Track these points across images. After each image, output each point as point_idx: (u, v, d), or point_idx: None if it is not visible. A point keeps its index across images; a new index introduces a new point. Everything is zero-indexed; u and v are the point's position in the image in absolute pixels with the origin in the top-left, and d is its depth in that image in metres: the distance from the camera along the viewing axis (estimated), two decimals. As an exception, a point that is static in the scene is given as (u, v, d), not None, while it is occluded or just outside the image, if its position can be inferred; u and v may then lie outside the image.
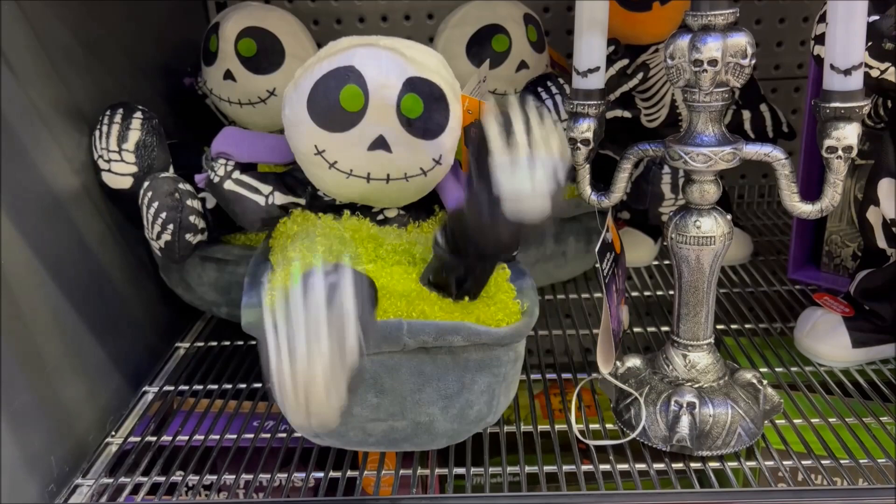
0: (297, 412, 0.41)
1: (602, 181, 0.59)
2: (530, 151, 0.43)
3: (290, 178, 0.61)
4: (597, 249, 0.57)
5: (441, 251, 0.51)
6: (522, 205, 0.44)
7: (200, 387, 0.69)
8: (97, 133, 0.65)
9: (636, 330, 0.76)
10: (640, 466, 0.56)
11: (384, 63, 0.54)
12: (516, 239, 0.47)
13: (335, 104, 0.53)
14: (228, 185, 0.60)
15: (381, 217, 0.60)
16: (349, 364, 0.40)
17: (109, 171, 0.65)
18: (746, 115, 0.84)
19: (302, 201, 0.61)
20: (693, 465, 0.56)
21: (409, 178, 0.56)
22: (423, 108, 0.54)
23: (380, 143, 0.54)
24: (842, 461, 0.56)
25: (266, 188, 0.60)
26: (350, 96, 0.53)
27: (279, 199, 0.60)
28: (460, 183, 0.60)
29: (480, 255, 0.51)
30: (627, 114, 0.82)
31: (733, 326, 0.76)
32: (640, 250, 0.89)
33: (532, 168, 0.43)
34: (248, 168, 0.61)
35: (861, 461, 0.56)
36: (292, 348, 0.39)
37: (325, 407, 0.41)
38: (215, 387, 0.69)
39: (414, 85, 0.54)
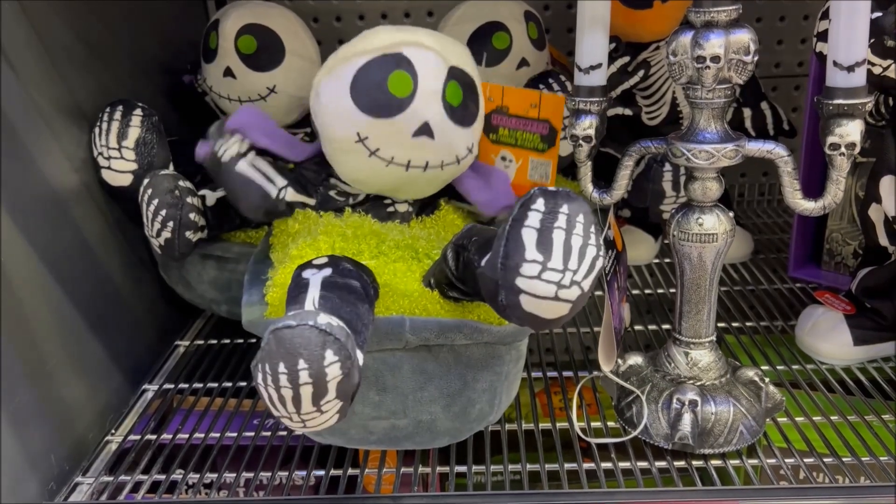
0: (292, 426, 0.42)
1: (603, 178, 0.59)
2: (560, 276, 0.40)
3: (303, 177, 0.60)
4: (598, 247, 0.57)
5: (449, 272, 0.50)
6: (540, 306, 0.41)
7: (200, 385, 0.69)
8: (97, 130, 0.65)
9: (637, 328, 0.76)
10: (642, 464, 0.56)
11: (431, 51, 0.54)
12: (529, 325, 0.44)
13: (383, 89, 0.53)
14: (242, 165, 0.58)
15: (391, 209, 0.59)
16: (337, 384, 0.40)
17: (109, 168, 0.65)
18: (747, 112, 0.84)
19: (312, 202, 0.60)
20: (695, 462, 0.56)
21: (444, 167, 0.56)
22: (462, 96, 0.55)
23: (424, 130, 0.54)
24: (844, 459, 0.56)
25: (281, 181, 0.59)
26: (399, 81, 0.53)
27: (290, 195, 0.59)
28: (476, 172, 0.60)
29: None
30: (628, 111, 0.82)
31: (734, 324, 0.76)
32: (640, 248, 0.89)
33: (560, 283, 0.40)
34: (261, 154, 0.60)
35: (863, 459, 0.56)
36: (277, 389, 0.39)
37: (319, 421, 0.41)
38: (215, 385, 0.69)
39: (454, 74, 0.55)
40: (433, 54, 0.54)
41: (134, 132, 0.65)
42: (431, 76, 0.54)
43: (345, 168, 0.57)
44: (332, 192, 0.60)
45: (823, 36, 0.56)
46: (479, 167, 0.61)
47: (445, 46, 0.55)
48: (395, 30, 0.55)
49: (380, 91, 0.53)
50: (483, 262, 0.44)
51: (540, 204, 0.41)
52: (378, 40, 0.54)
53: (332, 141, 0.56)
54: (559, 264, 0.40)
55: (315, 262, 0.48)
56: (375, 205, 0.60)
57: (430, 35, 0.55)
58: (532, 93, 0.57)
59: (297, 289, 0.46)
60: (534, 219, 0.41)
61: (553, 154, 0.58)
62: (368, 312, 0.46)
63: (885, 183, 0.64)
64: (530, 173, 0.60)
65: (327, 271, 0.47)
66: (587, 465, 0.56)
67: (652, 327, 0.76)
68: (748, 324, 0.76)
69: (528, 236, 0.40)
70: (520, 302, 0.41)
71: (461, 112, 0.55)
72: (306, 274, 0.47)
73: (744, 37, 0.50)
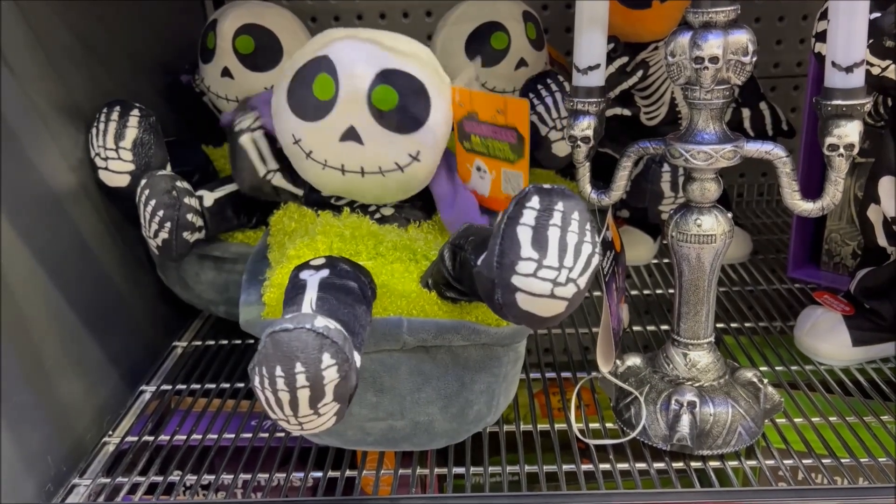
0: (290, 428, 0.41)
1: (601, 179, 0.59)
2: (556, 273, 0.40)
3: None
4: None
5: (446, 272, 0.50)
6: (537, 304, 0.41)
7: (198, 386, 0.69)
8: (94, 131, 0.65)
9: (635, 328, 0.75)
10: (641, 466, 0.56)
11: (357, 53, 0.53)
12: (525, 323, 0.44)
13: (308, 93, 0.54)
14: (244, 139, 0.60)
15: (378, 216, 0.59)
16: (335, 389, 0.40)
17: (106, 168, 0.65)
18: (746, 113, 0.84)
19: (299, 192, 0.61)
20: (693, 464, 0.56)
21: (384, 173, 0.55)
22: (398, 100, 0.53)
23: (351, 135, 0.53)
24: (842, 460, 0.56)
25: (273, 164, 0.60)
26: (322, 85, 0.53)
27: (277, 180, 0.60)
28: (452, 178, 0.60)
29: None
30: (627, 112, 0.82)
31: (733, 325, 0.76)
32: (639, 249, 0.89)
33: (556, 281, 0.40)
34: (272, 138, 0.61)
35: (862, 460, 0.55)
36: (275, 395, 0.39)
37: (316, 423, 0.41)
38: (213, 386, 0.69)
39: (388, 77, 0.53)
40: (362, 54, 0.53)
41: (131, 133, 0.65)
42: (354, 79, 0.53)
43: (297, 168, 0.58)
44: None
45: (822, 36, 0.56)
46: (455, 181, 0.60)
47: (387, 50, 0.54)
48: (337, 33, 0.55)
49: (306, 94, 0.54)
50: (479, 262, 0.44)
51: (535, 201, 0.41)
52: (316, 46, 0.55)
53: (281, 142, 0.57)
54: (555, 261, 0.40)
55: (312, 262, 0.48)
56: (363, 208, 0.59)
57: (372, 39, 0.54)
58: (497, 98, 0.55)
59: (295, 290, 0.46)
60: (529, 216, 0.40)
61: (523, 165, 0.56)
62: (366, 314, 0.46)
63: (884, 183, 0.64)
64: (504, 186, 0.58)
65: (325, 272, 0.46)
66: (585, 467, 0.56)
67: (650, 328, 0.75)
68: (747, 324, 0.75)
69: (524, 234, 0.40)
70: (516, 300, 0.41)
71: (396, 117, 0.53)
72: (304, 275, 0.46)
73: (742, 37, 0.50)
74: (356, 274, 0.48)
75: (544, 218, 0.40)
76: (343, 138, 0.54)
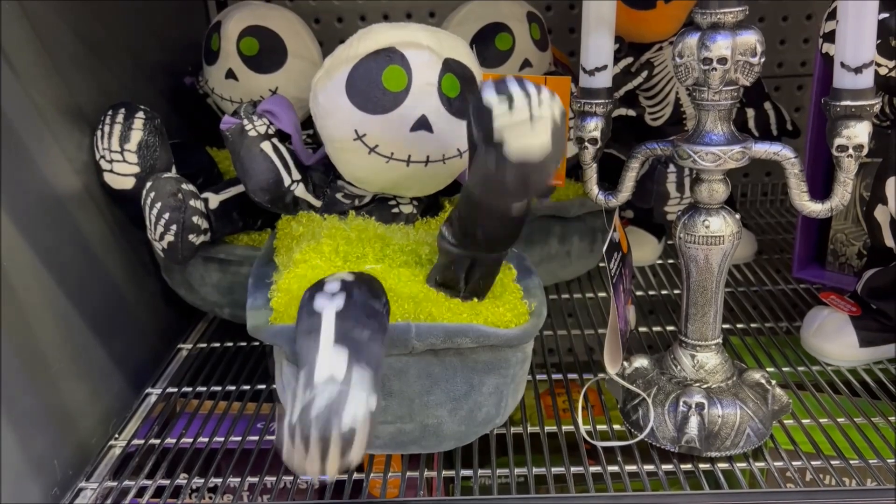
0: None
1: (605, 180, 0.59)
2: (527, 101, 0.43)
3: (312, 179, 0.61)
4: (604, 249, 0.57)
5: (447, 244, 0.50)
6: (524, 142, 0.42)
7: (203, 388, 0.69)
8: (99, 133, 0.65)
9: (640, 329, 0.75)
10: (649, 467, 0.56)
11: (424, 44, 0.54)
12: (525, 188, 0.45)
13: (377, 85, 0.53)
14: (266, 145, 0.59)
15: (395, 210, 0.59)
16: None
17: (111, 171, 0.65)
18: (750, 113, 0.84)
19: (318, 204, 0.61)
20: (702, 465, 0.56)
21: (446, 161, 0.56)
22: (460, 88, 0.55)
23: (422, 124, 0.54)
24: (851, 461, 0.56)
25: (296, 174, 0.60)
26: (393, 76, 0.53)
27: (300, 191, 0.60)
28: None
29: (489, 239, 0.50)
30: (632, 112, 0.82)
31: (739, 326, 0.75)
32: (643, 249, 0.88)
33: (530, 107, 0.42)
34: (283, 139, 0.61)
35: (871, 461, 0.55)
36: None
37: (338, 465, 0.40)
38: (219, 388, 0.69)
39: (450, 66, 0.55)
40: (428, 45, 0.54)
41: (136, 135, 0.65)
42: (426, 69, 0.54)
43: (347, 167, 0.58)
44: (338, 195, 0.60)
45: (830, 37, 0.56)
46: None
47: (441, 40, 0.55)
48: (389, 27, 0.55)
49: (375, 87, 0.53)
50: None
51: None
52: (373, 40, 0.54)
53: (332, 141, 0.56)
54: (521, 97, 0.42)
55: (327, 287, 0.45)
56: (380, 206, 0.59)
57: (426, 30, 0.55)
58: (536, 78, 0.58)
59: (310, 319, 0.44)
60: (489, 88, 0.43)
61: None
62: (382, 347, 0.44)
63: (892, 184, 0.63)
64: None
65: (340, 301, 0.44)
66: (593, 468, 0.56)
67: (656, 328, 0.75)
68: (752, 325, 0.75)
69: (489, 94, 0.43)
70: (504, 143, 0.42)
71: (460, 104, 0.55)
72: (318, 304, 0.44)
73: (750, 38, 0.50)
74: (373, 300, 0.46)
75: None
76: (414, 128, 0.54)
